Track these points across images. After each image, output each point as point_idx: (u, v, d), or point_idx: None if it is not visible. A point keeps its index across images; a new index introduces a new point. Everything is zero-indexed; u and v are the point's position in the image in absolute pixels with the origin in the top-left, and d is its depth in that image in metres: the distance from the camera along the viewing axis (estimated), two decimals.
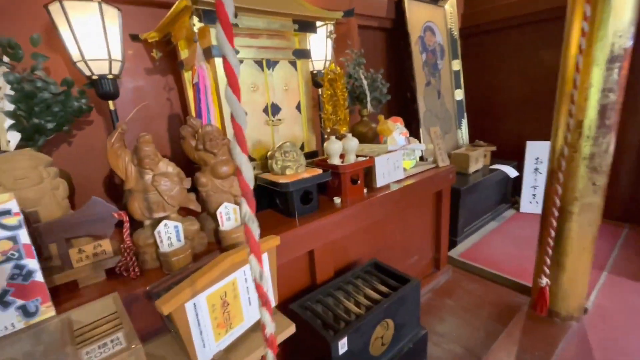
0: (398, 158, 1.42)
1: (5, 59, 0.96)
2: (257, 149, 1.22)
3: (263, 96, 1.20)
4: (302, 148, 1.36)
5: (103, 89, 1.11)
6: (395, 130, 1.57)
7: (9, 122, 0.95)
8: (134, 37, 1.32)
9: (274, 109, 1.24)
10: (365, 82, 1.75)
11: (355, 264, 1.36)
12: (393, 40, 2.40)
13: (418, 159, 1.66)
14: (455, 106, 2.69)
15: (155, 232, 0.80)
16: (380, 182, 1.36)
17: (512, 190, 2.62)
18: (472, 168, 2.27)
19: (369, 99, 1.76)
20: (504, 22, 2.57)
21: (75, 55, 1.05)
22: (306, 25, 1.22)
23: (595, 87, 1.11)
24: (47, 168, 0.87)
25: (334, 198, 1.25)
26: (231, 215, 0.95)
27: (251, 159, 1.21)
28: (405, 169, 1.59)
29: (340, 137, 1.28)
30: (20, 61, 0.98)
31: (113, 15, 1.08)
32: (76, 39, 1.02)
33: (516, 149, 2.64)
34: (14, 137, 0.97)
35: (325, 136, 1.33)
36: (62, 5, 0.98)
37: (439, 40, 2.52)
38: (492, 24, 2.63)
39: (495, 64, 2.77)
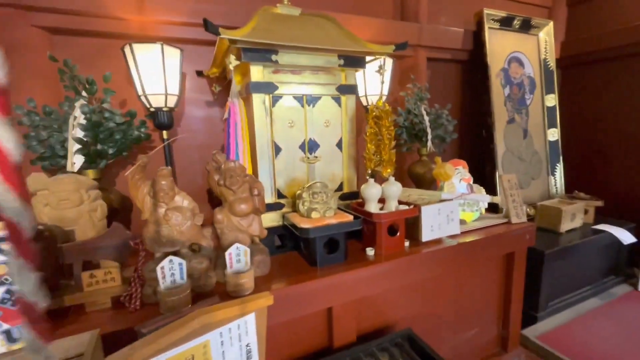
0: (453, 209, 1.20)
1: (84, 93, 1.12)
2: (290, 186, 1.16)
3: (300, 132, 1.15)
4: (340, 188, 1.25)
5: (159, 120, 1.21)
6: (455, 176, 1.35)
7: (77, 146, 1.09)
8: (199, 73, 1.44)
9: (312, 146, 1.17)
10: (426, 119, 1.58)
11: (387, 329, 1.15)
12: (469, 73, 2.16)
13: (483, 210, 1.38)
14: (548, 148, 2.25)
15: (158, 267, 0.79)
16: (426, 235, 1.15)
17: (627, 261, 2.02)
18: (566, 226, 1.82)
19: (429, 137, 1.58)
20: (618, 50, 2.11)
21: (139, 89, 1.17)
22: (353, 61, 1.15)
23: None
24: (89, 191, 0.95)
25: (367, 249, 1.10)
26: (242, 258, 0.89)
27: (282, 196, 1.16)
28: (464, 222, 1.34)
29: (380, 180, 1.14)
30: (94, 95, 1.13)
31: (174, 55, 1.19)
32: (139, 76, 1.14)
33: (634, 208, 2.06)
34: (79, 160, 1.11)
35: (367, 178, 1.20)
36: (131, 47, 1.11)
37: (528, 72, 2.19)
38: (602, 52, 2.18)
39: (603, 100, 2.27)
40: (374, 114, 1.16)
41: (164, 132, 1.24)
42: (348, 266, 1.02)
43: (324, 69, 1.14)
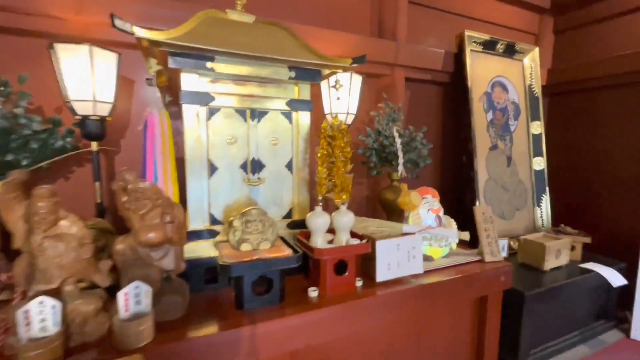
0: (415, 244, 1.04)
1: None
2: (229, 210, 1.01)
3: (242, 150, 1.01)
4: (289, 215, 1.10)
5: (86, 130, 1.07)
6: (422, 205, 1.20)
7: None
8: (149, 82, 1.32)
9: (255, 166, 1.03)
10: (398, 141, 1.45)
11: None
12: (451, 96, 2.06)
13: (454, 246, 1.23)
14: (533, 177, 2.13)
15: (20, 310, 0.62)
16: (382, 275, 0.99)
17: (617, 303, 1.85)
18: (550, 264, 1.67)
19: (400, 160, 1.44)
20: (604, 79, 2.03)
21: (64, 95, 1.04)
22: (306, 74, 1.03)
23: None
24: None
25: (310, 289, 0.94)
26: (142, 299, 0.73)
27: (217, 222, 1.00)
28: (431, 259, 1.18)
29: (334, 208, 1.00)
30: (7, 97, 0.99)
31: (107, 58, 1.06)
32: (62, 80, 1.01)
33: (625, 246, 1.91)
34: None
35: (320, 205, 1.05)
36: (55, 48, 0.98)
37: (512, 98, 2.09)
38: (588, 81, 2.10)
39: (591, 130, 2.17)
40: (327, 133, 1.02)
41: (93, 144, 1.09)
42: (282, 310, 0.86)
43: (273, 81, 1.02)
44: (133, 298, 0.72)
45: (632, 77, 1.92)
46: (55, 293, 0.72)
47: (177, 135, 1.40)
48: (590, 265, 1.74)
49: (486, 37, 1.93)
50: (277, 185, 1.07)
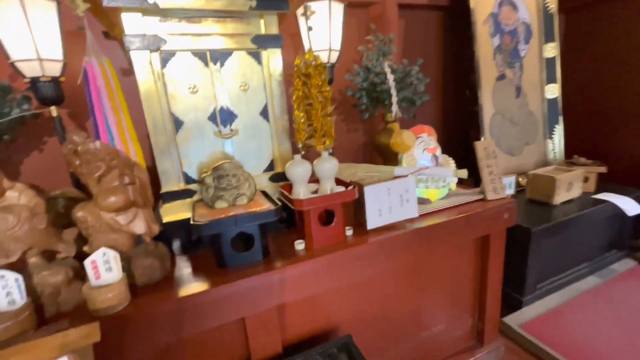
0: (408, 187, 0.96)
1: None
2: (204, 167, 0.94)
3: (208, 100, 0.91)
4: (271, 167, 1.02)
5: (39, 93, 0.98)
6: (417, 145, 1.10)
7: None
8: (106, 35, 1.18)
9: (225, 116, 0.93)
10: (390, 78, 1.30)
11: (327, 336, 0.97)
12: (453, 21, 1.83)
13: (453, 186, 1.15)
14: (546, 107, 1.95)
15: None
16: (373, 222, 0.93)
17: (632, 232, 1.78)
18: (561, 197, 1.58)
19: (394, 99, 1.31)
20: None
21: (6, 55, 0.93)
22: (269, 2, 0.88)
23: None
24: None
25: (296, 242, 0.89)
26: (112, 265, 0.69)
27: (193, 181, 0.94)
28: (428, 202, 1.11)
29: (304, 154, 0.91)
30: None
31: (47, 8, 0.93)
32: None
33: None
34: None
35: (302, 153, 0.97)
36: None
37: (523, 18, 1.84)
38: None
39: (615, 49, 1.92)
40: (301, 71, 0.90)
41: (52, 109, 1.01)
42: (266, 266, 0.82)
43: (231, 13, 0.87)
44: (103, 265, 0.69)
45: None
46: (23, 266, 0.69)
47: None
48: (603, 196, 1.64)
49: None
50: (254, 136, 0.98)
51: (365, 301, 1.02)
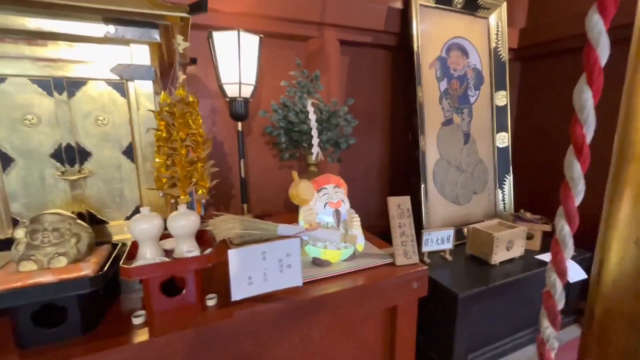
0: (291, 250, 0.82)
1: None
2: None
3: (50, 134, 0.77)
4: None
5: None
6: (320, 198, 0.97)
7: None
8: None
9: (74, 154, 0.79)
10: (313, 117, 1.19)
11: None
12: (399, 62, 1.77)
13: (360, 247, 1.01)
14: (496, 156, 1.87)
15: None
16: (239, 292, 0.78)
17: (579, 295, 1.66)
18: (500, 257, 1.46)
19: (315, 141, 1.20)
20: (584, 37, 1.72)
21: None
22: (134, 29, 0.76)
23: None
24: None
25: (134, 314, 0.72)
26: None
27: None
28: (328, 264, 0.96)
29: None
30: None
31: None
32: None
33: (593, 234, 1.69)
34: None
35: (174, 202, 0.83)
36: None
37: (474, 64, 1.80)
38: (568, 40, 1.78)
39: (567, 101, 1.87)
40: (165, 110, 0.77)
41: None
42: (84, 345, 0.65)
43: (80, 39, 0.75)
44: None
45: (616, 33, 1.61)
46: None
47: None
48: (548, 256, 1.52)
49: None
50: (115, 178, 0.84)
51: None
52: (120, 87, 0.81)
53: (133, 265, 0.67)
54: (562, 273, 0.42)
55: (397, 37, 1.67)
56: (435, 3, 1.64)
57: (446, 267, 1.44)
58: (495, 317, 1.40)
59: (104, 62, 0.78)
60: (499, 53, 1.84)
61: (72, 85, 0.77)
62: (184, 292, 0.73)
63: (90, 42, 0.76)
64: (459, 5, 1.71)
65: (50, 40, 0.74)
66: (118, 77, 0.79)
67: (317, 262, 0.96)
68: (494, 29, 1.83)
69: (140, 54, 0.81)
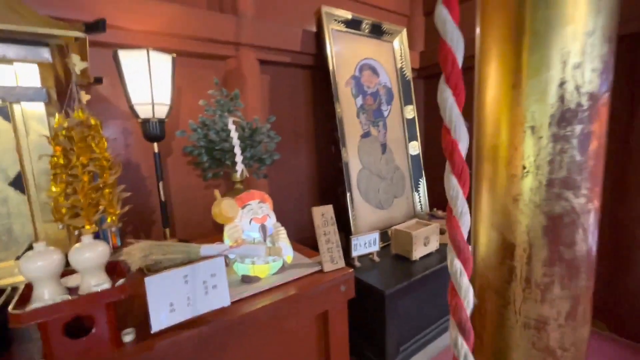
0: (215, 271, 0.80)
1: None
2: None
3: None
4: None
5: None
6: (245, 214, 0.97)
7: None
8: None
9: None
10: (235, 135, 1.20)
11: None
12: (319, 80, 1.89)
13: (289, 259, 1.03)
14: (410, 163, 2.09)
15: None
16: (159, 321, 0.73)
17: None
18: (419, 252, 1.62)
19: (238, 158, 1.20)
20: (471, 60, 2.05)
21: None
22: (18, 48, 0.69)
23: (532, 175, 0.50)
24: None
25: None
26: None
27: None
28: (257, 280, 0.97)
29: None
30: None
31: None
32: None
33: None
34: None
35: (77, 234, 0.75)
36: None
37: (384, 82, 2.00)
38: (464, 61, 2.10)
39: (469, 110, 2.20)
40: (62, 134, 0.71)
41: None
42: None
43: None
44: None
45: None
46: None
47: None
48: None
49: (348, 15, 1.78)
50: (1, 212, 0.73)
51: None
52: (3, 111, 0.72)
53: (27, 310, 0.59)
54: (460, 249, 0.37)
55: (314, 57, 1.79)
56: (346, 27, 1.81)
57: (374, 268, 1.54)
58: (421, 308, 1.54)
59: None
60: (404, 72, 2.09)
61: None
62: (93, 331, 0.67)
63: None
64: (367, 30, 1.91)
65: None
66: (0, 101, 0.71)
67: (246, 280, 0.96)
68: (398, 51, 2.07)
69: (28, 74, 0.74)
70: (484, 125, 0.55)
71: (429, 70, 2.31)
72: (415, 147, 2.10)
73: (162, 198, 1.20)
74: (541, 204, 0.49)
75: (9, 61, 0.71)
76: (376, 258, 1.60)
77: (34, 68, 0.74)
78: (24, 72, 0.73)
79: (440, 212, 1.88)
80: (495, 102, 0.52)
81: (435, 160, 2.27)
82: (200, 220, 1.53)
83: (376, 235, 1.57)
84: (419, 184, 2.10)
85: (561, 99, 0.46)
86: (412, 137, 2.10)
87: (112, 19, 1.15)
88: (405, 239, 1.60)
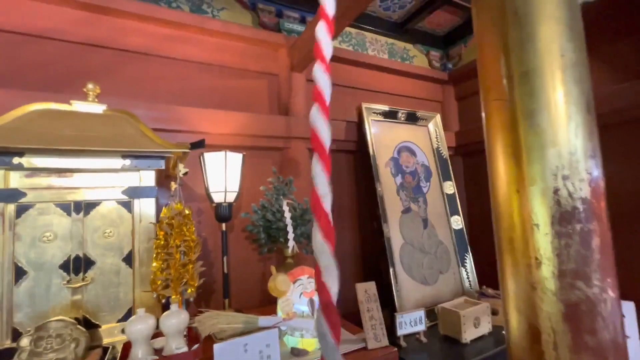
0: (270, 341, 0.91)
1: None
2: (38, 323, 0.85)
3: (63, 248, 0.90)
4: (129, 316, 0.96)
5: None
6: (296, 289, 1.10)
7: None
8: None
9: (79, 265, 0.91)
10: (288, 215, 1.39)
11: None
12: (360, 162, 2.11)
13: None
14: (454, 237, 2.11)
15: None
16: None
17: None
18: (470, 335, 1.54)
19: (290, 236, 1.37)
20: None
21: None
22: (144, 161, 0.99)
23: (545, 266, 0.58)
24: None
25: None
26: None
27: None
28: (305, 353, 1.04)
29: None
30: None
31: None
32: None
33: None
34: None
35: (163, 302, 0.93)
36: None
37: (421, 161, 2.16)
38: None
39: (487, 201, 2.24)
40: (164, 221, 0.95)
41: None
42: None
43: (104, 171, 0.96)
44: None
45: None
46: None
47: None
48: None
49: (385, 107, 2.06)
50: (112, 283, 0.95)
51: None
52: (127, 204, 0.99)
53: None
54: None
55: (356, 143, 2.04)
56: (384, 118, 2.08)
57: (422, 349, 1.49)
58: None
59: (116, 186, 0.98)
60: (441, 151, 2.24)
61: (88, 206, 0.94)
62: None
63: (109, 172, 0.97)
64: (402, 118, 2.16)
65: (77, 172, 0.94)
66: (127, 197, 0.98)
67: (295, 353, 1.03)
68: (434, 133, 2.27)
69: (148, 177, 1.02)
70: (501, 220, 0.66)
71: (466, 148, 2.44)
72: (457, 222, 2.13)
73: (225, 270, 1.38)
74: (557, 292, 0.56)
75: (137, 169, 1.00)
76: (423, 338, 1.56)
77: (152, 173, 1.02)
78: (145, 176, 1.01)
79: (490, 290, 1.81)
80: (507, 202, 0.64)
81: (481, 236, 2.26)
82: (252, 290, 1.67)
83: (422, 313, 1.55)
84: (465, 259, 2.07)
85: (558, 202, 0.57)
86: (454, 212, 2.14)
87: (198, 127, 1.51)
88: (453, 319, 1.56)
